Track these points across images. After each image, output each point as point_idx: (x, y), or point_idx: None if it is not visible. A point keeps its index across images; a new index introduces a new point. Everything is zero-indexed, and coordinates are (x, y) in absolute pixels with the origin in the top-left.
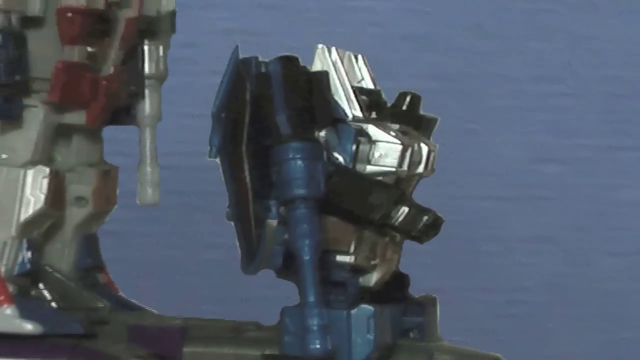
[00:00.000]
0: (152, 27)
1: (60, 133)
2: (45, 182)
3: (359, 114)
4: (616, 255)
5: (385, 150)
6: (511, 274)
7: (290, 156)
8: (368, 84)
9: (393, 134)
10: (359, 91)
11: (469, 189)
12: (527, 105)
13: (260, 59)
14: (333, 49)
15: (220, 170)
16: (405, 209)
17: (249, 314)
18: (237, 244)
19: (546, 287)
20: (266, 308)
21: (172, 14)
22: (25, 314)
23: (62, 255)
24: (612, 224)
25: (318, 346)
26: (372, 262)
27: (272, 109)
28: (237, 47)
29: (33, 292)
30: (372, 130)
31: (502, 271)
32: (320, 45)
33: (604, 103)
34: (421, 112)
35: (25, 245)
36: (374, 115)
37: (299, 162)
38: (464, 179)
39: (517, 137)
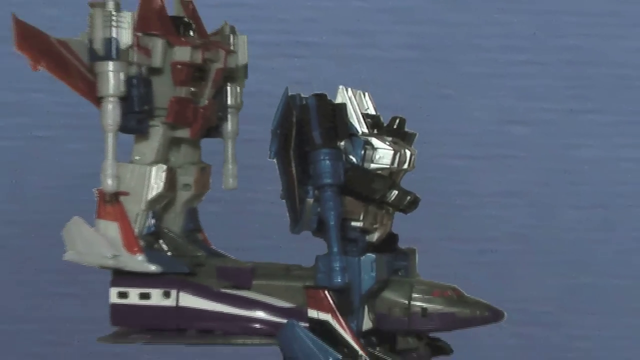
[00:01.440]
0: (232, 74)
1: (173, 143)
2: (163, 175)
3: (365, 130)
4: (577, 208)
5: (383, 154)
6: (482, 225)
7: (321, 158)
8: (371, 111)
9: (387, 143)
10: (365, 116)
11: (445, 148)
12: (496, 72)
13: (302, 95)
14: (349, 89)
15: (276, 167)
16: (395, 192)
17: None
18: (287, 214)
19: (514, 237)
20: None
21: (245, 66)
22: (151, 260)
23: (174, 221)
24: (574, 180)
25: (339, 280)
26: (374, 226)
27: (309, 127)
28: (287, 88)
29: (155, 246)
30: (374, 141)
31: (473, 223)
32: (340, 87)
33: (566, 70)
34: (406, 129)
35: (150, 215)
36: (375, 131)
37: (327, 162)
38: (440, 139)
39: (488, 101)
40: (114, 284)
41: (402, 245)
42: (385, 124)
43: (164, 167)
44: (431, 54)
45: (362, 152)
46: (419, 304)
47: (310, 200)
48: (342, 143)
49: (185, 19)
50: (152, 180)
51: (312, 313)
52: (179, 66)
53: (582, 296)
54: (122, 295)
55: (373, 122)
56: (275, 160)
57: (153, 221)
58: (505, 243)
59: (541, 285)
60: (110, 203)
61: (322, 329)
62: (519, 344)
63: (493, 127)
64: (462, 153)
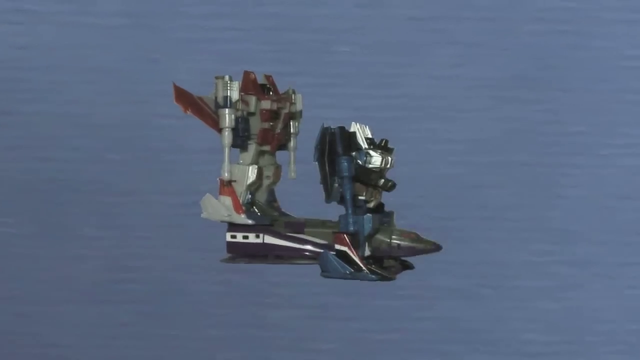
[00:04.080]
0: (293, 116)
1: (261, 153)
2: (255, 172)
3: (366, 146)
4: None
5: (376, 159)
6: None
7: (342, 161)
8: (369, 135)
9: (378, 153)
10: (366, 139)
11: (158, 108)
12: (202, 37)
13: (332, 127)
14: (358, 124)
15: (317, 167)
16: (383, 180)
17: None
18: (323, 193)
19: None
20: None
21: (301, 111)
22: (248, 217)
23: (262, 196)
24: None
25: (352, 228)
26: (371, 199)
27: (335, 145)
28: (323, 123)
29: (251, 210)
30: (371, 152)
31: None
32: (353, 122)
33: (267, 35)
34: (389, 145)
35: (248, 193)
36: (371, 147)
37: (345, 164)
38: (152, 99)
39: (193, 64)
40: (229, 230)
41: (387, 209)
42: (377, 143)
43: (256, 166)
44: (141, 21)
45: (365, 158)
46: (396, 241)
47: (336, 185)
48: (354, 153)
49: (267, 85)
50: (249, 173)
51: (337, 247)
52: (264, 111)
53: None
54: (233, 237)
55: (370, 142)
56: (317, 163)
57: (249, 196)
58: None
59: None
60: (227, 185)
61: (342, 255)
62: None
63: (196, 89)
64: (170, 112)
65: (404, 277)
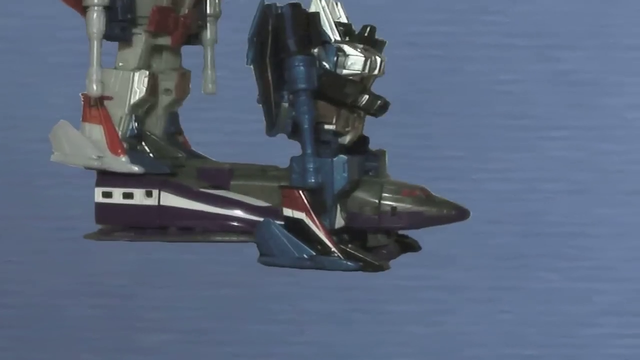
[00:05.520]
0: None
1: (155, 50)
2: (145, 80)
3: (338, 38)
4: None
5: (354, 60)
6: None
7: (296, 64)
8: (343, 20)
9: (359, 50)
10: (337, 24)
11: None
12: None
13: (277, 4)
14: (324, 0)
15: (253, 73)
16: (366, 96)
17: None
18: (264, 118)
19: None
20: None
21: None
22: (133, 161)
23: (156, 125)
24: None
25: (313, 180)
26: (346, 129)
27: (284, 35)
28: None
29: (138, 148)
30: (346, 48)
31: None
32: None
33: None
34: (376, 37)
35: (133, 118)
36: (347, 39)
37: (301, 68)
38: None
39: (68, 89)
40: (99, 183)
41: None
42: (356, 32)
43: (147, 72)
44: (16, 46)
45: (335, 58)
46: (388, 203)
47: (286, 105)
48: (316, 50)
49: None
50: (135, 85)
51: (287, 212)
52: None
53: None
54: (107, 194)
55: (345, 30)
56: (252, 66)
57: (136, 124)
58: None
59: None
60: (95, 107)
61: (296, 227)
62: None
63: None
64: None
65: (275, 297)
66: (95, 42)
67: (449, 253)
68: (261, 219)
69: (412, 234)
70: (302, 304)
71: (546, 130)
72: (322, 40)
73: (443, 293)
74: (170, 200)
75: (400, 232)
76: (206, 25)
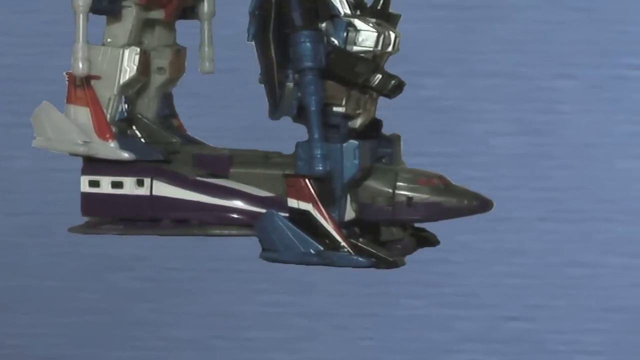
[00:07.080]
0: None
1: (146, 25)
2: (136, 58)
3: (348, 11)
4: None
5: (366, 36)
6: None
7: (302, 40)
8: None
9: (371, 25)
10: None
11: None
12: None
13: None
14: None
15: (255, 50)
16: (379, 76)
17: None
18: (266, 99)
19: None
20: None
21: None
22: (123, 146)
23: (148, 107)
24: None
25: (320, 168)
26: (357, 112)
27: (289, 8)
28: None
29: (128, 132)
30: (357, 22)
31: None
32: None
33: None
34: (390, 10)
35: (123, 100)
36: (358, 12)
37: (307, 44)
38: None
39: None
40: (85, 171)
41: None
42: (368, 5)
43: (137, 49)
44: None
45: (345, 34)
46: (403, 192)
47: (290, 85)
48: (324, 25)
49: None
50: (125, 63)
51: (292, 202)
52: None
53: None
54: (94, 183)
55: (356, 3)
56: (253, 43)
57: (126, 106)
58: None
59: None
60: (81, 87)
61: (302, 219)
62: None
63: None
64: None
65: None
66: (81, 16)
67: (309, 280)
68: (263, 211)
69: (430, 226)
70: (166, 330)
71: (408, 157)
72: (331, 13)
73: (305, 319)
74: (164, 189)
75: (417, 224)
76: None
